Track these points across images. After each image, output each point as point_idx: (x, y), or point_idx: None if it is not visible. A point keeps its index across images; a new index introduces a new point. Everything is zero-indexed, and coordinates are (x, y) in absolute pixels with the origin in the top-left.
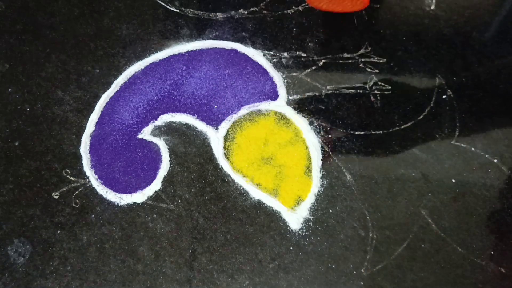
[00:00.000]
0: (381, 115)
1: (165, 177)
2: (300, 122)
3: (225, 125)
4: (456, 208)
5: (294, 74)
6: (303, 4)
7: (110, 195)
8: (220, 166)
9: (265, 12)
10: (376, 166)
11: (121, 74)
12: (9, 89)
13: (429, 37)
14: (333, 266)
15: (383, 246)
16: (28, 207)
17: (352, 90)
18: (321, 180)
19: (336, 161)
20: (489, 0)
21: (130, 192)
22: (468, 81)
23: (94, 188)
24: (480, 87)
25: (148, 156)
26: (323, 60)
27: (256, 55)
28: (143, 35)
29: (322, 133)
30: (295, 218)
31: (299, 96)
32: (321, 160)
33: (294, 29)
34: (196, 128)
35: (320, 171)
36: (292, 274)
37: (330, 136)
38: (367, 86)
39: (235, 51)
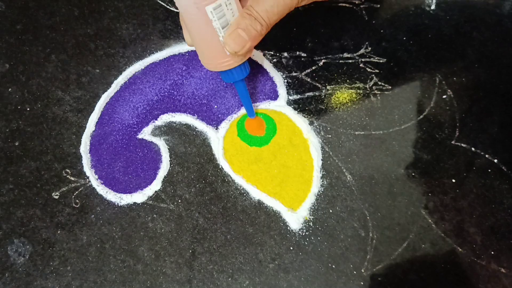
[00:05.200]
0: (381, 115)
1: (165, 177)
2: (300, 122)
3: (225, 125)
4: (455, 208)
5: (294, 74)
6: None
7: (110, 195)
8: (220, 166)
9: None
10: (376, 166)
11: (121, 74)
12: (9, 89)
13: (429, 37)
14: (333, 266)
15: (383, 246)
16: (28, 207)
17: (352, 90)
18: (321, 180)
19: (336, 161)
20: (489, 0)
21: (130, 192)
22: (468, 81)
23: (94, 188)
24: (480, 87)
25: (148, 156)
26: (323, 60)
27: (256, 55)
28: (143, 35)
29: (322, 133)
30: (295, 218)
31: (299, 96)
32: (321, 160)
33: (294, 29)
34: (196, 128)
35: (320, 171)
36: (292, 274)
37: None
38: (367, 86)
39: None
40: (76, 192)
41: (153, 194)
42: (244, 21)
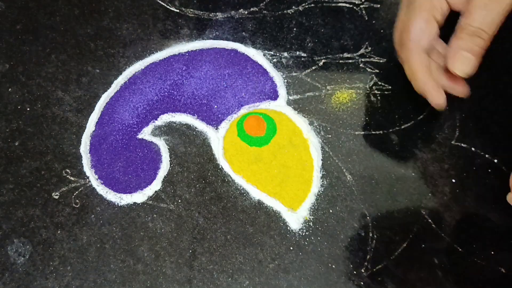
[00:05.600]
0: (381, 115)
1: (165, 177)
2: (300, 122)
3: (225, 125)
4: (456, 208)
5: (294, 74)
6: (303, 4)
7: (110, 195)
8: (220, 166)
9: (265, 12)
10: (376, 166)
11: (121, 74)
12: (9, 89)
13: None
14: (333, 266)
15: (383, 246)
16: (28, 207)
17: (352, 90)
18: (321, 180)
19: (336, 161)
20: None
21: (130, 192)
22: (468, 81)
23: (94, 188)
24: (480, 87)
25: (148, 156)
26: (323, 60)
27: (256, 55)
28: (143, 35)
29: (322, 133)
30: (295, 218)
31: (299, 96)
32: (321, 160)
33: (294, 29)
34: (196, 128)
35: (320, 171)
36: (292, 274)
37: None
38: (367, 86)
39: (235, 51)
40: (76, 192)
41: (153, 194)
42: (462, 41)
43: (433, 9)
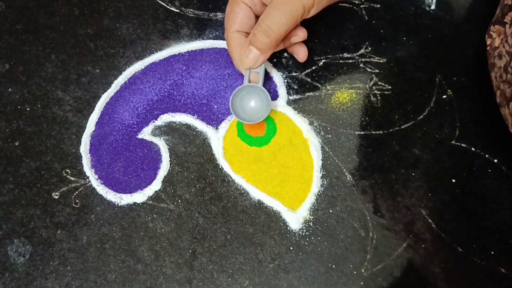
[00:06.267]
0: (381, 115)
1: (165, 177)
2: (300, 122)
3: (225, 125)
4: (456, 208)
5: (294, 74)
6: None
7: (110, 195)
8: (220, 166)
9: None
10: (376, 166)
11: (121, 74)
12: (9, 89)
13: (429, 37)
14: (333, 266)
15: (383, 246)
16: (28, 207)
17: (352, 90)
18: (321, 180)
19: (336, 161)
20: (489, 0)
21: (130, 192)
22: (468, 81)
23: (94, 188)
24: (480, 87)
25: (148, 156)
26: (323, 60)
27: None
28: (143, 35)
29: (322, 133)
30: (295, 218)
31: (299, 96)
32: (321, 160)
33: None
34: (196, 128)
35: (320, 171)
36: (292, 274)
37: None
38: (367, 86)
39: None
40: (76, 192)
41: (153, 194)
42: (253, 37)
43: (250, 2)
